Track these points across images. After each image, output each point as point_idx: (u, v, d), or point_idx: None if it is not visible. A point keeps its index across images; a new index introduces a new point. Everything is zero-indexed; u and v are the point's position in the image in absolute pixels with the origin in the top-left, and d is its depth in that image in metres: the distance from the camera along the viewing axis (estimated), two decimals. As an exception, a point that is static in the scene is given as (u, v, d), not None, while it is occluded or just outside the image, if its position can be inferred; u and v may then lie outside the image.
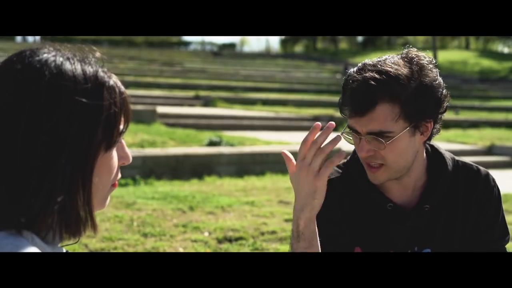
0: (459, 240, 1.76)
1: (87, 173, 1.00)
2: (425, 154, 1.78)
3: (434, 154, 1.81)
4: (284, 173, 8.94)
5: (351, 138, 1.70)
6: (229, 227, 5.57)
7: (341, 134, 1.70)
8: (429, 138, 1.74)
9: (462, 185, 1.78)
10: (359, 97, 1.61)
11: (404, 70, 1.62)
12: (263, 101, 22.66)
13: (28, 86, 0.97)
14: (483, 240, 1.77)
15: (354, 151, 1.82)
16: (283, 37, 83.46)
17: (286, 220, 5.80)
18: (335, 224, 1.74)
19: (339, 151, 1.42)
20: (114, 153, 1.05)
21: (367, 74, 1.61)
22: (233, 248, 5.03)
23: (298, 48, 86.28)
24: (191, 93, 22.83)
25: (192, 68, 35.97)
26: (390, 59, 1.65)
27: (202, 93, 22.94)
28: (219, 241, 5.21)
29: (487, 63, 52.37)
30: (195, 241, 5.16)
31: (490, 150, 13.69)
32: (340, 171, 1.82)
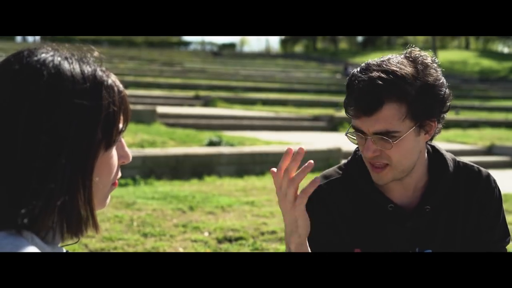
0: (460, 241, 1.76)
1: (87, 172, 1.00)
2: (426, 155, 1.78)
3: (435, 155, 1.80)
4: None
5: (355, 138, 1.69)
6: (229, 227, 5.57)
7: (345, 135, 1.70)
8: (432, 138, 1.74)
9: (463, 186, 1.78)
10: (366, 97, 1.60)
11: (409, 70, 1.61)
12: (263, 101, 22.67)
13: (26, 86, 0.97)
14: (483, 241, 1.77)
15: (355, 152, 1.81)
16: (283, 37, 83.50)
17: (286, 220, 5.79)
18: (334, 230, 1.73)
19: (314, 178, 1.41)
20: (114, 152, 1.05)
21: (373, 74, 1.60)
22: (233, 248, 5.03)
23: (298, 48, 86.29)
24: (191, 93, 22.85)
25: (192, 68, 35.98)
26: (394, 59, 1.65)
27: (202, 93, 22.95)
28: (219, 241, 5.21)
29: (487, 63, 52.38)
30: (195, 241, 5.16)
31: (490, 150, 13.69)
32: (340, 172, 1.81)
